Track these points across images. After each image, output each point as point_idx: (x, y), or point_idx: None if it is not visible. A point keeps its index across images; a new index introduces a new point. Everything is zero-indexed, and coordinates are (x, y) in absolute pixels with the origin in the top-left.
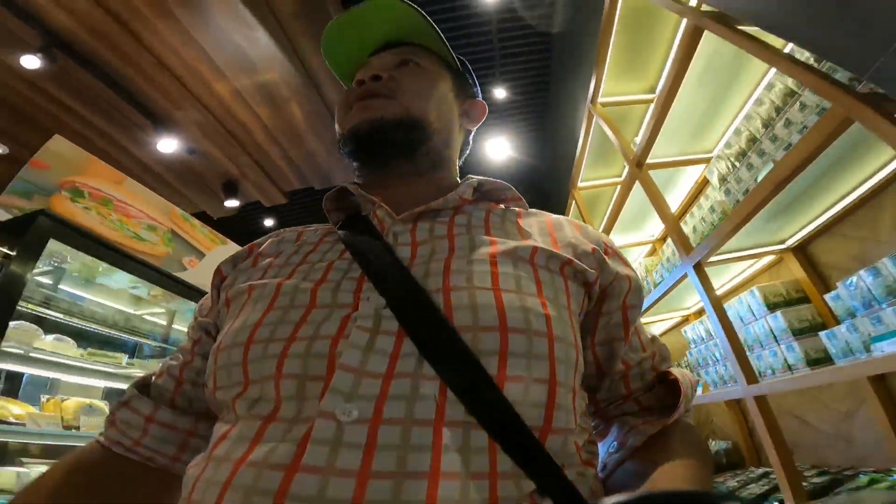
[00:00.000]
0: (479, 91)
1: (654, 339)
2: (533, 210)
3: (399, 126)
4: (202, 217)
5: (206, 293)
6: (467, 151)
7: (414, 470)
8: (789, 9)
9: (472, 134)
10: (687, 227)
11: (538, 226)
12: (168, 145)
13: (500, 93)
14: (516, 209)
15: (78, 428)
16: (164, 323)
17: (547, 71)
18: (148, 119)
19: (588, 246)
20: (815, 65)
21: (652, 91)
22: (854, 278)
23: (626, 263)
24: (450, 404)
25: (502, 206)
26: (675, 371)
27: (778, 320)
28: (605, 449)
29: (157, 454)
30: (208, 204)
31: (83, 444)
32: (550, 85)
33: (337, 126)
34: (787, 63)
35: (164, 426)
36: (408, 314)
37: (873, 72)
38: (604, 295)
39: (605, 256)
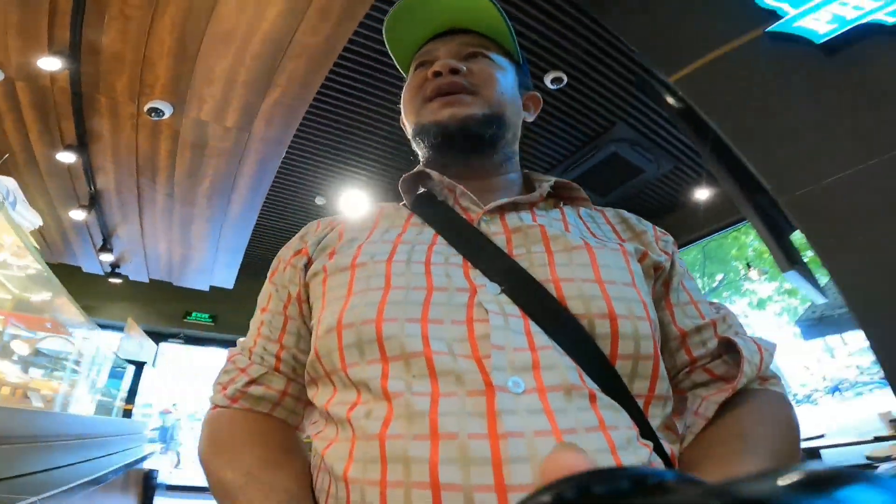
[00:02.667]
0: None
1: (717, 307)
2: (599, 207)
3: (487, 123)
4: None
5: None
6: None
7: (588, 426)
8: None
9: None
10: None
11: (609, 221)
12: None
13: None
14: (584, 208)
15: None
16: None
17: None
18: None
19: (651, 234)
20: None
21: None
22: None
23: (667, 235)
24: (583, 378)
25: (571, 204)
26: (739, 338)
27: None
28: (683, 424)
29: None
30: None
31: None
32: None
33: (412, 116)
34: None
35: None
36: (527, 300)
37: None
38: (659, 273)
39: (661, 240)
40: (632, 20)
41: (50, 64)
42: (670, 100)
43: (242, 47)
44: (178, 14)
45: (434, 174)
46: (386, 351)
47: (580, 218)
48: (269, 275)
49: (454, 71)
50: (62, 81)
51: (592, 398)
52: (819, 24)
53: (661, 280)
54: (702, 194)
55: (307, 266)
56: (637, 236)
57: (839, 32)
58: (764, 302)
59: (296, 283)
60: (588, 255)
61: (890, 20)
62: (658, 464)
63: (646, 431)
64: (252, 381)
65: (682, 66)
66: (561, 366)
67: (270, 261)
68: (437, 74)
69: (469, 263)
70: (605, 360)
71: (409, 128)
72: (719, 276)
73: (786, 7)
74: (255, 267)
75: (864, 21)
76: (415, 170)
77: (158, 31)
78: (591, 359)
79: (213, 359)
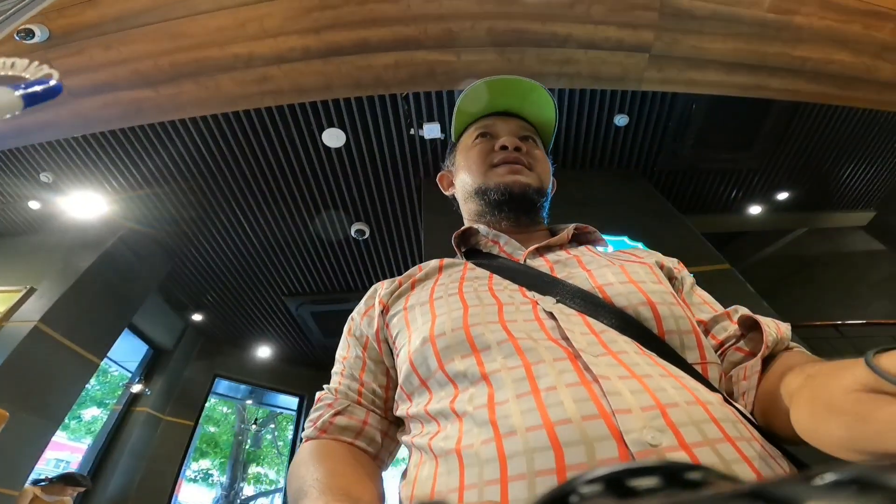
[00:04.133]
0: None
1: (726, 306)
2: (612, 248)
3: (537, 193)
4: None
5: None
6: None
7: (661, 374)
8: None
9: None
10: None
11: (625, 251)
12: None
13: None
14: (601, 248)
15: None
16: None
17: None
18: None
19: (660, 256)
20: None
21: None
22: None
23: (673, 258)
24: (643, 349)
25: (591, 244)
26: (756, 315)
27: None
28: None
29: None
30: None
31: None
32: None
33: (477, 176)
34: None
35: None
36: (580, 303)
37: None
38: (674, 282)
39: (668, 259)
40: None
41: None
42: None
43: (178, 49)
44: None
45: (482, 228)
46: (476, 345)
47: (611, 253)
48: (345, 331)
49: (517, 148)
50: None
51: (654, 361)
52: None
53: (676, 288)
54: None
55: (383, 313)
56: (651, 256)
57: None
58: None
59: (373, 327)
60: (619, 268)
61: None
62: (730, 414)
63: (711, 388)
64: (337, 413)
65: None
66: (621, 340)
67: None
68: (504, 148)
69: (524, 288)
70: (655, 336)
71: (468, 183)
72: None
73: None
74: None
75: None
76: (464, 227)
77: None
78: (643, 335)
79: None
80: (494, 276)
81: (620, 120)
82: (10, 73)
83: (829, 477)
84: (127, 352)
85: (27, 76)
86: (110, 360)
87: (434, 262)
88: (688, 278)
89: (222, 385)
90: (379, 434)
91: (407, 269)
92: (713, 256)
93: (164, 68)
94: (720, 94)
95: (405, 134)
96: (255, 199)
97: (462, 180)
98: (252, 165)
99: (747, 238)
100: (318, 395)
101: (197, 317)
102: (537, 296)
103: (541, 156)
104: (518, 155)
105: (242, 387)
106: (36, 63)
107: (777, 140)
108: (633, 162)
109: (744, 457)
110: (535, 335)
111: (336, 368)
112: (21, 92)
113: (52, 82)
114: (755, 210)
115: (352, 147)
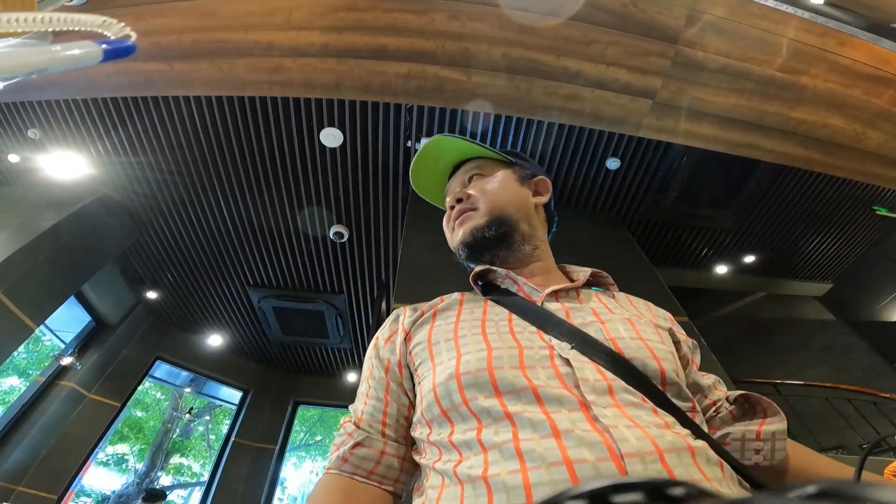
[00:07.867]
0: (541, 168)
1: (707, 374)
2: (622, 293)
3: (489, 226)
4: None
5: None
6: (554, 227)
7: (658, 424)
8: None
9: (554, 207)
10: None
11: (635, 303)
12: None
13: None
14: (613, 292)
15: None
16: None
17: None
18: None
19: (669, 320)
20: None
21: None
22: None
23: (682, 330)
24: (645, 399)
25: (603, 288)
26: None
27: None
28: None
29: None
30: None
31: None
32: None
33: (450, 243)
34: None
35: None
36: (592, 352)
37: None
38: (678, 346)
39: (673, 326)
40: (420, 239)
41: None
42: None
43: (204, 28)
44: None
45: (499, 270)
46: (499, 388)
47: (612, 298)
48: (369, 353)
49: (459, 200)
50: None
51: (654, 412)
52: None
53: (682, 349)
54: (350, 377)
55: (406, 340)
56: (662, 318)
57: None
58: None
59: (395, 353)
60: (628, 322)
61: None
62: (713, 457)
63: (699, 433)
64: (357, 444)
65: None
66: (628, 393)
67: None
68: (452, 207)
69: (541, 331)
70: (656, 388)
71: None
72: (318, 437)
73: None
74: None
75: None
76: (479, 268)
77: None
78: (646, 387)
79: None
80: (514, 316)
81: (612, 163)
82: (96, 28)
83: (804, 491)
84: (65, 321)
85: (109, 34)
86: (46, 327)
87: (455, 295)
88: (686, 338)
89: (162, 369)
90: (397, 461)
91: (377, 278)
92: (675, 308)
93: (184, 45)
94: (711, 150)
95: (402, 145)
96: (238, 185)
97: None
98: (244, 151)
99: (709, 295)
100: (342, 419)
101: (151, 294)
102: (554, 340)
103: (483, 188)
104: (461, 206)
105: (183, 373)
106: (115, 21)
107: (755, 203)
108: (617, 208)
109: (717, 490)
110: (552, 383)
111: (362, 389)
112: (104, 47)
113: (130, 42)
114: (721, 269)
115: (347, 149)
